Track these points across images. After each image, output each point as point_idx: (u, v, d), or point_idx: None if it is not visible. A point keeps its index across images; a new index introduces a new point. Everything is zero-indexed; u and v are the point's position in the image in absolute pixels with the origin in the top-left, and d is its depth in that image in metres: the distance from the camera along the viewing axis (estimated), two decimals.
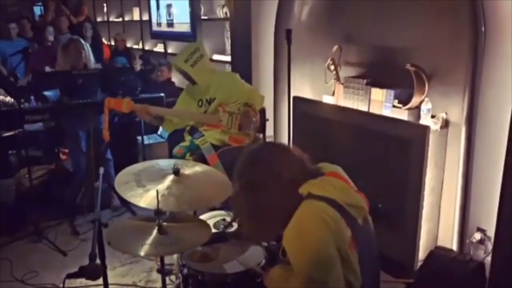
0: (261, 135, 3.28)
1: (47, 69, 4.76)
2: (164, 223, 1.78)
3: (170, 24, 5.64)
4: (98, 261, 1.52)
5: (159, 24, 5.90)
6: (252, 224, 1.55)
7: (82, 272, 1.40)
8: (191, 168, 2.12)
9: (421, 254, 2.68)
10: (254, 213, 1.49)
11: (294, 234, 1.40)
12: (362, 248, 1.42)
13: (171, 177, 1.98)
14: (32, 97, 3.83)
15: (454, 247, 2.65)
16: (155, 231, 1.73)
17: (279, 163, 1.47)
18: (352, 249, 1.39)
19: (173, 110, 3.14)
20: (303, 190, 1.42)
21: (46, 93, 4.40)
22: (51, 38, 5.59)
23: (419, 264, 2.64)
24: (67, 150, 4.65)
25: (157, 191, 1.77)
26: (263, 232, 1.58)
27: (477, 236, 2.55)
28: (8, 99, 4.38)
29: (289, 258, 1.43)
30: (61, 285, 2.73)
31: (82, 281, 2.66)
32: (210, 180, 2.10)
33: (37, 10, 9.02)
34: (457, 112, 2.58)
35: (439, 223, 2.75)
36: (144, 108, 2.89)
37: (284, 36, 3.19)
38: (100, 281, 1.65)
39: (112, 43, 7.05)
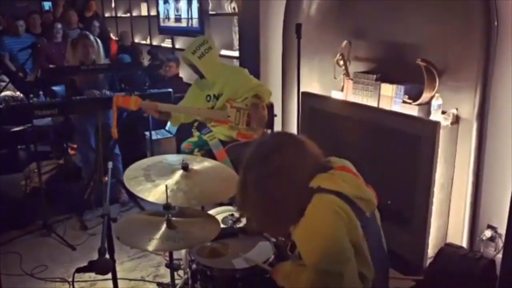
0: (269, 131, 3.26)
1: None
2: (173, 218, 1.77)
3: (177, 19, 5.63)
4: (107, 255, 1.52)
5: (167, 19, 5.90)
6: (261, 218, 1.52)
7: (92, 267, 1.40)
8: (200, 164, 2.12)
9: (431, 251, 2.66)
10: (264, 207, 1.45)
11: (307, 228, 1.38)
12: (371, 240, 1.42)
13: (179, 172, 1.97)
14: (41, 92, 3.84)
15: (464, 244, 2.62)
16: (164, 226, 1.73)
17: (293, 157, 1.42)
18: (363, 241, 1.39)
19: (181, 106, 3.14)
20: (313, 184, 1.41)
21: (55, 88, 4.42)
22: (59, 35, 5.60)
23: (429, 261, 2.62)
24: (75, 145, 4.67)
25: (166, 185, 1.77)
26: (273, 226, 1.54)
27: (488, 233, 2.53)
28: (17, 94, 4.41)
29: (302, 254, 1.41)
30: (70, 279, 2.77)
31: (91, 275, 2.70)
32: (218, 175, 2.09)
33: (46, 5, 9.04)
34: (468, 108, 2.55)
35: (449, 220, 2.73)
36: (154, 105, 2.90)
37: (293, 31, 3.17)
38: (109, 275, 1.65)
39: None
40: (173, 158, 2.15)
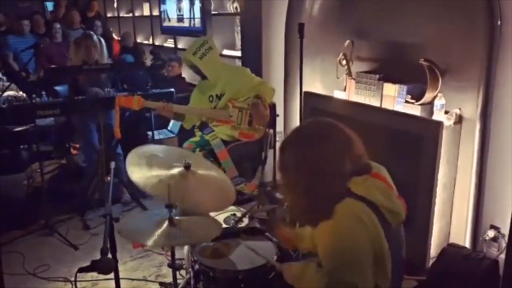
0: (271, 131, 3.26)
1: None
2: (175, 217, 1.77)
3: (180, 19, 5.63)
4: (109, 255, 1.52)
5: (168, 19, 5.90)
6: (292, 198, 1.48)
7: (94, 266, 1.40)
8: (200, 167, 2.09)
9: (433, 251, 2.66)
10: (295, 189, 1.42)
11: (330, 231, 1.36)
12: (392, 251, 1.39)
13: (180, 169, 1.97)
14: (43, 92, 3.85)
15: (467, 244, 2.62)
16: (165, 224, 1.72)
17: (335, 151, 1.39)
18: (387, 252, 1.37)
19: (183, 107, 3.14)
20: (347, 186, 1.38)
21: (57, 88, 4.43)
22: (58, 35, 5.61)
23: (431, 261, 2.61)
24: (78, 145, 4.68)
25: (168, 185, 1.76)
26: (300, 210, 1.49)
27: (491, 233, 2.51)
28: (20, 94, 4.41)
29: (320, 254, 1.40)
30: (72, 279, 2.77)
31: (93, 275, 2.68)
32: (216, 185, 2.04)
33: (49, 5, 9.05)
34: (471, 108, 2.54)
35: (451, 220, 2.72)
36: (169, 106, 2.93)
37: (295, 30, 3.16)
38: (111, 275, 1.65)
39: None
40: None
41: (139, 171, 1.91)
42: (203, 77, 3.10)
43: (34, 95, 3.41)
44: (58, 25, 5.65)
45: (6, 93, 4.12)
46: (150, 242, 1.65)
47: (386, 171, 1.52)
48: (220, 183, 2.05)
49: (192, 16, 5.33)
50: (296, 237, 1.78)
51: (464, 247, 2.56)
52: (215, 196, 1.98)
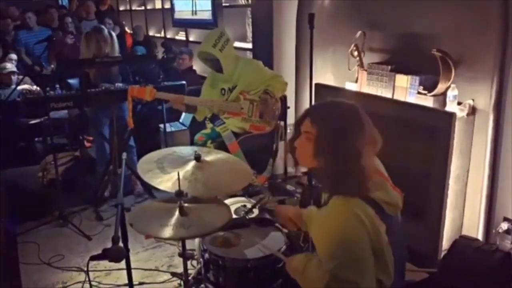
0: (282, 123, 3.26)
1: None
2: (185, 204, 1.78)
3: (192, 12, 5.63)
4: (120, 244, 1.54)
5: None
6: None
7: (106, 254, 1.42)
8: (211, 155, 2.12)
9: (445, 243, 2.64)
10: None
11: (326, 230, 1.35)
12: (393, 243, 1.38)
13: (192, 163, 1.98)
14: (57, 85, 3.90)
15: (480, 237, 2.59)
16: (176, 213, 1.73)
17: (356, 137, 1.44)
18: (387, 246, 1.35)
19: (195, 98, 3.15)
20: None
21: (71, 81, 4.48)
22: (71, 28, 5.65)
23: (443, 253, 2.59)
24: (91, 138, 4.73)
25: (178, 172, 1.77)
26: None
27: (504, 226, 2.48)
28: (34, 87, 4.48)
29: (318, 253, 1.39)
30: (86, 268, 2.82)
31: (106, 265, 2.74)
32: (231, 167, 2.09)
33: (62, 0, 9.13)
34: (484, 99, 2.50)
35: (464, 212, 2.70)
36: (180, 98, 2.93)
37: (306, 22, 3.14)
38: (123, 265, 1.68)
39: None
40: (185, 150, 2.16)
41: (157, 177, 1.92)
42: (217, 70, 3.09)
43: (47, 88, 3.45)
44: (69, 19, 5.70)
45: (20, 87, 4.19)
46: (162, 234, 1.66)
47: (380, 163, 1.53)
48: (233, 163, 2.12)
49: (203, 8, 5.33)
50: (303, 217, 1.76)
51: (477, 239, 2.54)
52: (234, 175, 2.03)
